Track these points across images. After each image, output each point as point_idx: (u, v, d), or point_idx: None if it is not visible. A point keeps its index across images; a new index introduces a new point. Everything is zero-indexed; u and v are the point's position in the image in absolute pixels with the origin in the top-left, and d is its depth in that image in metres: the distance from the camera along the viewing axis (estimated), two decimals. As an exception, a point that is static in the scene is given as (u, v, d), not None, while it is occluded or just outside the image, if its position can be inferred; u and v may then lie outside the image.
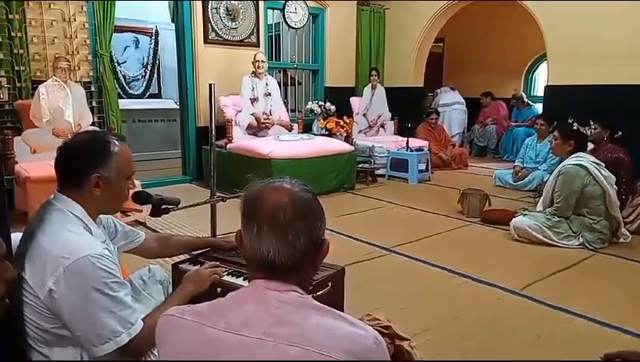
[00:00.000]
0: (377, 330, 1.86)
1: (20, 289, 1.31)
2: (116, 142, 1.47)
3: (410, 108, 7.47)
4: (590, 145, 4.10)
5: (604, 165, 3.67)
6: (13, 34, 4.61)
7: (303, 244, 0.95)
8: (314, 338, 0.85)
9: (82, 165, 1.42)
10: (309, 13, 6.82)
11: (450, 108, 8.39)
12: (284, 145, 5.16)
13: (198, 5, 5.84)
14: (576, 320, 2.49)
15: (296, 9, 6.67)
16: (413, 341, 2.07)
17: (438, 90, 8.92)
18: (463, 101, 8.54)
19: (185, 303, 1.52)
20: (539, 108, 7.82)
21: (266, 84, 5.83)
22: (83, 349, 1.35)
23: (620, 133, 4.40)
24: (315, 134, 6.14)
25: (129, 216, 4.10)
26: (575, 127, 3.73)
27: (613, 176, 3.66)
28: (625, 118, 4.59)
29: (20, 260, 1.32)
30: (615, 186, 3.66)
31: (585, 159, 3.62)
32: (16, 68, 4.68)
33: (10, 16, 4.59)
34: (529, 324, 2.45)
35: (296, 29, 6.84)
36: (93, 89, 5.24)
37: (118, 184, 1.47)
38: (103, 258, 1.32)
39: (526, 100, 8.46)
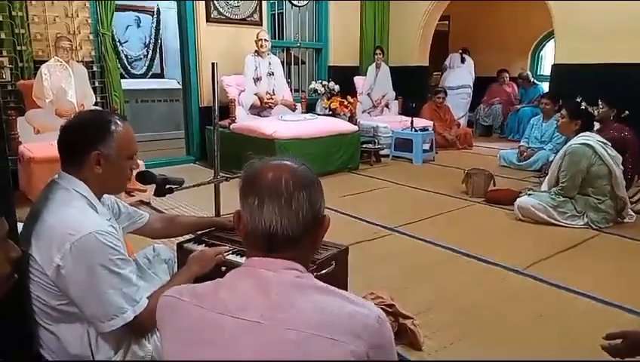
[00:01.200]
0: (381, 308, 1.87)
1: (27, 267, 1.32)
2: (117, 121, 1.47)
3: (414, 88, 7.40)
4: (596, 125, 4.07)
5: (610, 144, 3.64)
6: (14, 13, 4.57)
7: (306, 216, 0.93)
8: (313, 320, 0.84)
9: (82, 142, 1.43)
10: (312, -9, 6.72)
11: (455, 92, 8.23)
12: (287, 125, 5.14)
13: (200, -17, 5.76)
14: (580, 299, 2.50)
15: (299, -14, 6.58)
16: (416, 319, 2.10)
17: (447, 63, 8.58)
18: (470, 83, 8.38)
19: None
20: (545, 87, 7.73)
21: (269, 64, 5.78)
22: (90, 325, 1.37)
23: (627, 112, 4.36)
24: (318, 114, 6.11)
25: (133, 196, 4.12)
26: (583, 107, 3.69)
27: (619, 156, 3.63)
28: (632, 97, 4.53)
29: (26, 238, 1.33)
30: (621, 166, 3.63)
31: (592, 139, 3.59)
32: (18, 48, 4.65)
33: (10, -5, 4.54)
34: (532, 303, 2.47)
35: (299, 7, 6.75)
36: (95, 69, 5.21)
37: (119, 162, 1.47)
38: (109, 234, 1.33)
39: (532, 79, 8.35)
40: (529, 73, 8.41)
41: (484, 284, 2.69)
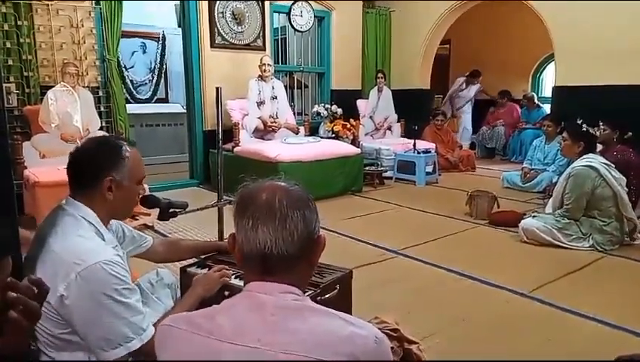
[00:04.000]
0: (386, 333, 1.85)
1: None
2: (127, 147, 1.49)
3: (417, 111, 7.45)
4: (599, 147, 4.07)
5: (614, 166, 3.64)
6: (21, 40, 4.66)
7: (301, 235, 0.93)
8: (312, 344, 0.84)
9: (95, 169, 1.43)
10: (314, 17, 6.84)
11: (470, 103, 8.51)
12: (290, 148, 5.17)
13: (205, 9, 5.87)
14: (587, 322, 2.47)
15: (301, 12, 6.69)
16: (421, 344, 2.07)
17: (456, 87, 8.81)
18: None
19: (194, 307, 1.52)
20: (548, 109, 7.77)
21: (273, 88, 5.84)
22: (92, 354, 1.35)
23: (630, 133, 4.37)
24: (321, 137, 6.14)
25: (137, 219, 4.12)
26: (584, 128, 3.70)
27: (623, 178, 3.62)
28: (634, 118, 4.54)
29: (30, 264, 1.33)
30: (625, 188, 3.62)
31: (595, 160, 3.59)
32: (25, 74, 4.72)
33: (19, 23, 4.64)
34: (539, 327, 2.43)
35: (302, 32, 6.85)
36: (101, 94, 5.28)
37: (129, 188, 1.48)
38: (115, 264, 1.32)
39: (536, 101, 8.38)
40: (534, 94, 8.46)
41: (489, 308, 2.66)
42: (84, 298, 1.27)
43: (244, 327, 0.88)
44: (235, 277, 1.77)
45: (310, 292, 1.61)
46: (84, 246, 1.33)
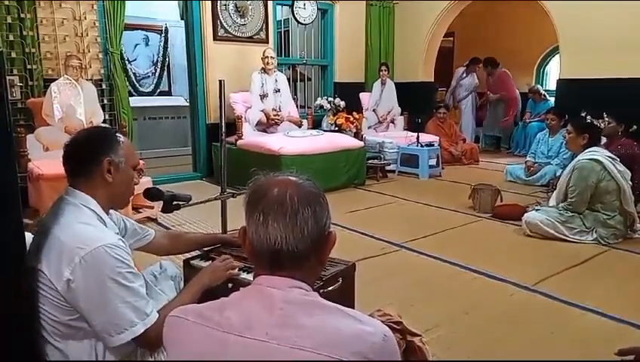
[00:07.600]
0: (388, 326, 1.85)
1: (36, 283, 1.32)
2: (119, 134, 1.55)
3: (420, 104, 7.43)
4: (603, 140, 4.05)
5: (618, 160, 3.63)
6: (25, 33, 4.66)
7: (311, 231, 0.93)
8: (319, 340, 0.84)
9: (93, 153, 1.46)
10: (317, 9, 6.81)
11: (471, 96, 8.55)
12: (293, 141, 5.16)
13: (208, 2, 5.84)
14: (590, 315, 2.47)
15: (305, 5, 6.67)
16: (424, 336, 2.07)
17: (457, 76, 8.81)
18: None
19: (198, 296, 1.54)
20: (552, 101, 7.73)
21: (276, 80, 5.83)
22: (98, 341, 1.37)
23: (635, 127, 4.34)
24: (324, 130, 6.13)
25: (141, 212, 4.14)
26: (588, 121, 3.69)
27: (628, 171, 3.61)
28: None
29: (35, 254, 1.34)
30: (630, 181, 3.61)
31: (600, 154, 3.58)
32: (28, 66, 4.72)
33: (22, 15, 4.63)
34: (542, 320, 2.43)
35: (305, 24, 6.83)
36: (104, 87, 5.28)
37: (127, 171, 1.51)
38: (118, 248, 1.34)
39: (543, 93, 8.32)
40: (539, 87, 8.40)
41: (493, 301, 2.66)
42: (89, 281, 1.29)
43: (252, 321, 0.88)
44: (239, 270, 1.77)
45: (313, 285, 1.62)
46: (86, 231, 1.35)
